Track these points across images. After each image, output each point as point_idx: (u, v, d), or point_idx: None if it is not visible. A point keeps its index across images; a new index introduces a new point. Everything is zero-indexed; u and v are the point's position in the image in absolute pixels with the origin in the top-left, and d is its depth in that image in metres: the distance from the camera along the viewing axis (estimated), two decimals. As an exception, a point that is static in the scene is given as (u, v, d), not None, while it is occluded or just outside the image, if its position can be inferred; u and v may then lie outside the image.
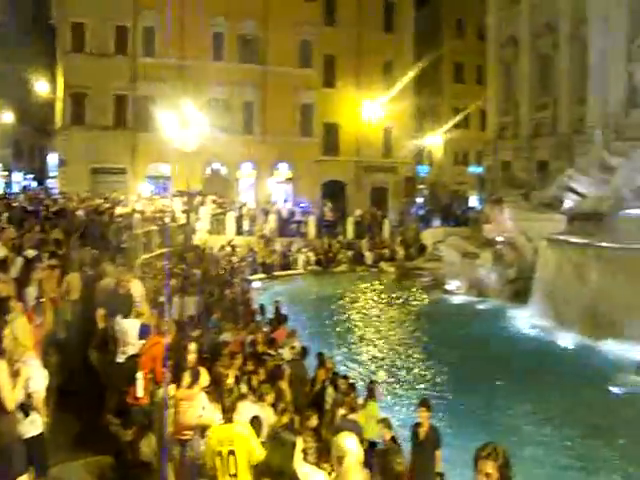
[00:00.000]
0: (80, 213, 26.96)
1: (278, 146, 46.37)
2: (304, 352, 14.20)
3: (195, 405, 8.32)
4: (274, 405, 9.97)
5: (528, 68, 40.32)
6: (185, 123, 33.82)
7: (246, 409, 8.76)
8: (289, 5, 46.01)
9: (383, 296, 30.85)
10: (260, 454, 6.44)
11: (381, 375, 17.69)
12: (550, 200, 29.72)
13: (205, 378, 8.96)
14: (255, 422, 7.84)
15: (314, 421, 9.61)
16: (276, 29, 45.82)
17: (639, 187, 25.60)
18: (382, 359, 20.26)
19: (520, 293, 27.09)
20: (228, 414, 7.06)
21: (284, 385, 11.47)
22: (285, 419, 9.49)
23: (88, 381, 11.37)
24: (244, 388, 10.68)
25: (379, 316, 27.00)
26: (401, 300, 29.88)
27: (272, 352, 14.13)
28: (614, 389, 16.98)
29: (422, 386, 17.44)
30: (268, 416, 9.30)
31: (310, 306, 27.74)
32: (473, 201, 51.12)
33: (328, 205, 44.26)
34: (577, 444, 13.85)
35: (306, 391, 12.88)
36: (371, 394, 12.53)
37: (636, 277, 21.03)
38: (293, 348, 14.20)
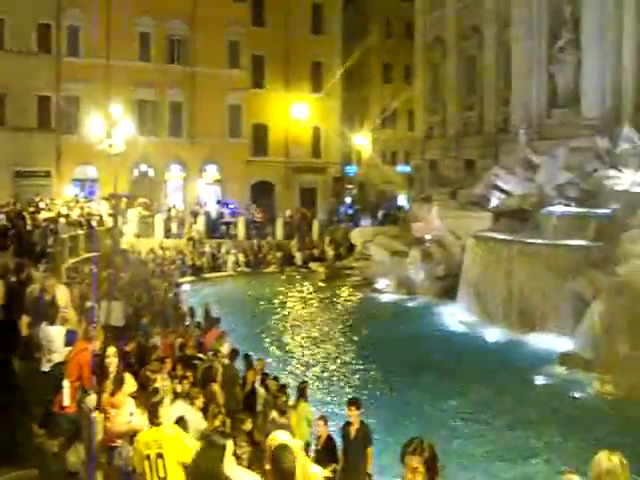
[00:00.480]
0: (1, 217, 26.20)
1: (207, 147, 45.97)
2: (234, 354, 14.11)
3: (122, 412, 8.17)
4: (205, 408, 9.88)
5: (455, 69, 40.95)
6: (111, 125, 33.25)
7: (174, 411, 8.64)
8: (217, 5, 45.52)
9: (313, 296, 30.95)
10: (194, 446, 6.34)
11: (311, 375, 17.77)
12: (477, 198, 30.31)
13: (131, 384, 8.78)
14: (181, 423, 7.75)
15: (248, 425, 9.55)
16: (204, 29, 45.25)
17: (561, 185, 26.39)
18: (312, 359, 20.31)
19: (448, 290, 27.59)
20: (153, 418, 6.94)
21: (216, 388, 11.37)
22: (217, 422, 9.40)
23: (11, 391, 11.02)
24: (179, 388, 10.57)
25: (309, 316, 27.04)
26: (331, 299, 30.02)
27: (201, 355, 14.01)
28: (539, 381, 17.51)
29: (352, 385, 17.56)
30: (198, 420, 9.21)
31: (240, 308, 27.56)
32: (402, 200, 51.62)
33: (253, 206, 44.21)
34: (505, 435, 14.26)
35: (237, 393, 12.80)
36: (302, 394, 12.54)
37: (558, 272, 21.66)
38: (221, 351, 14.09)
